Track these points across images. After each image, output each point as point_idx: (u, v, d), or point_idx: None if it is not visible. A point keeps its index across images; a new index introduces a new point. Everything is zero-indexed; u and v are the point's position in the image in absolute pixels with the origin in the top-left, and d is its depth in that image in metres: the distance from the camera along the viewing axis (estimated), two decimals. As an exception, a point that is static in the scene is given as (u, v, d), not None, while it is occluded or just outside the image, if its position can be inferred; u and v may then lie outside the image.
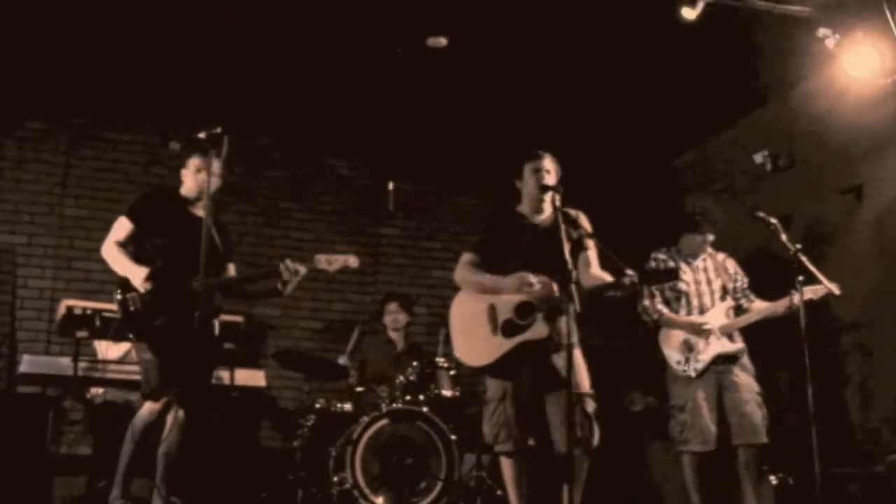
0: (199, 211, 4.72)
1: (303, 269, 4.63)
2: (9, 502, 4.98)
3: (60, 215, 6.83)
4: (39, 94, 6.78)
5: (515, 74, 6.62)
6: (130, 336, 4.53)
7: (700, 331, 5.30)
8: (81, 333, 5.32)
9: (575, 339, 4.21)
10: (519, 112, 6.97)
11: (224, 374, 5.93)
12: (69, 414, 6.19)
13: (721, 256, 5.58)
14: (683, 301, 5.46)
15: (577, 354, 4.45)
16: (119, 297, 4.51)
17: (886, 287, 5.53)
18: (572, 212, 4.61)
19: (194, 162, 4.76)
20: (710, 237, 5.54)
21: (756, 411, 5.20)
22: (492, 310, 4.52)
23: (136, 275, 4.48)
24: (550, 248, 4.46)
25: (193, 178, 4.77)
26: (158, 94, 6.67)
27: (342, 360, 6.32)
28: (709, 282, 5.48)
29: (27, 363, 5.60)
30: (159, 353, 4.46)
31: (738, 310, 5.44)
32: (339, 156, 7.62)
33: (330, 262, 4.67)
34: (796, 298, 4.95)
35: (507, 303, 4.48)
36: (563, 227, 4.35)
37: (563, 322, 4.48)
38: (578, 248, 4.55)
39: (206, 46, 6.30)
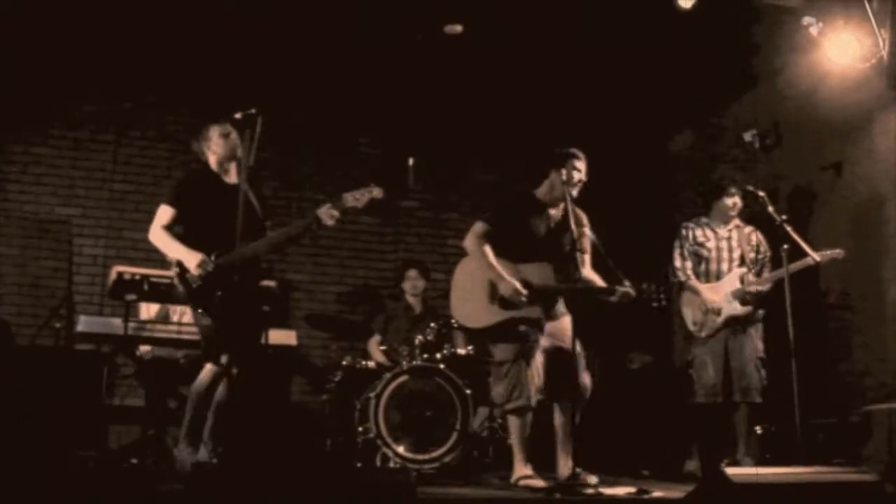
0: (232, 178, 4.64)
1: (337, 213, 4.51)
2: (70, 447, 5.07)
3: (111, 190, 6.91)
4: (92, 82, 6.86)
5: (524, 59, 6.67)
6: (199, 311, 4.44)
7: (710, 309, 5.33)
8: (130, 296, 5.35)
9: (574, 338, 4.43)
10: (528, 92, 7.01)
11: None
12: (121, 369, 6.26)
13: (748, 229, 5.59)
14: (703, 266, 5.50)
15: (567, 319, 4.65)
16: (178, 275, 4.45)
17: (861, 253, 5.55)
18: (580, 212, 4.69)
19: (218, 129, 4.61)
20: (739, 201, 5.52)
21: (753, 373, 5.27)
22: (493, 282, 4.57)
23: (190, 261, 4.40)
24: (559, 237, 4.57)
25: (223, 143, 4.60)
26: (198, 79, 6.72)
27: None
28: (730, 250, 5.51)
29: (83, 323, 5.67)
30: (219, 322, 4.42)
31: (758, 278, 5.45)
32: (363, 135, 7.63)
33: (357, 198, 4.54)
34: (792, 266, 5.00)
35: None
36: (569, 216, 4.47)
37: (556, 306, 4.66)
38: (579, 246, 4.61)
39: (241, 36, 6.41)
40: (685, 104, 7.00)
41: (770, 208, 5.11)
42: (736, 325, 5.36)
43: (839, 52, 5.52)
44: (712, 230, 5.56)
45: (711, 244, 5.52)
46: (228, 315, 4.41)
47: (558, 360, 4.53)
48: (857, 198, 5.74)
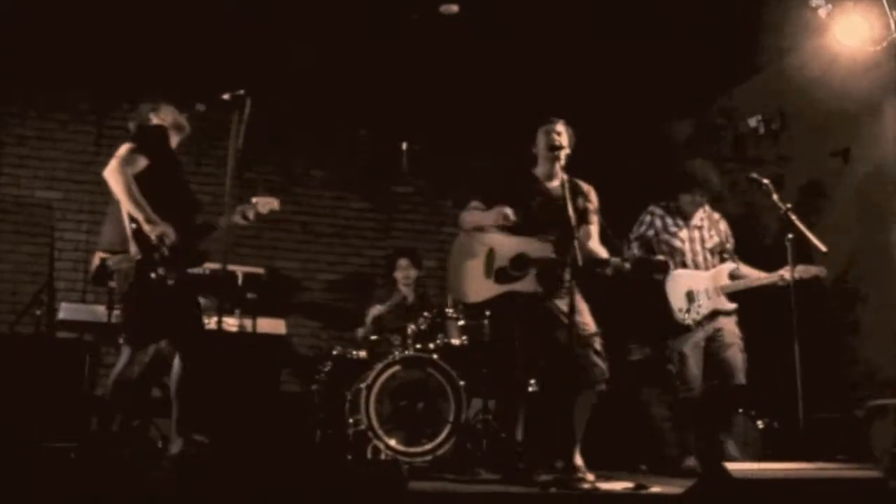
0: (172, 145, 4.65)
1: (251, 214, 4.79)
2: (50, 438, 5.04)
3: (94, 173, 6.81)
4: (75, 63, 6.81)
5: (521, 40, 6.61)
6: (152, 275, 4.23)
7: (695, 293, 5.27)
8: (113, 283, 5.33)
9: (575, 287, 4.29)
10: (525, 77, 6.95)
11: (247, 322, 5.98)
12: (104, 358, 6.23)
13: (717, 216, 5.53)
14: (678, 258, 5.39)
15: (579, 299, 4.47)
16: (134, 232, 4.29)
17: (869, 243, 5.52)
18: (584, 185, 4.61)
19: (168, 107, 4.64)
20: (702, 199, 5.44)
21: (737, 355, 5.21)
22: (490, 254, 4.56)
23: (155, 227, 4.24)
24: (558, 209, 4.46)
25: (172, 111, 4.63)
26: (186, 61, 6.66)
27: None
28: (703, 240, 5.42)
29: (65, 310, 5.67)
30: (161, 301, 4.30)
31: None
32: (356, 119, 7.57)
33: (264, 204, 4.82)
34: (787, 274, 4.93)
35: (506, 251, 4.49)
36: (567, 188, 4.35)
37: (555, 279, 4.46)
38: (583, 218, 4.51)
39: (230, 15, 6.32)
40: (689, 89, 6.95)
41: (774, 196, 5.06)
42: (716, 316, 5.29)
43: (849, 34, 5.48)
44: (682, 218, 5.44)
45: (683, 234, 5.41)
46: (168, 295, 4.28)
47: (553, 346, 4.45)
48: (866, 185, 5.71)
